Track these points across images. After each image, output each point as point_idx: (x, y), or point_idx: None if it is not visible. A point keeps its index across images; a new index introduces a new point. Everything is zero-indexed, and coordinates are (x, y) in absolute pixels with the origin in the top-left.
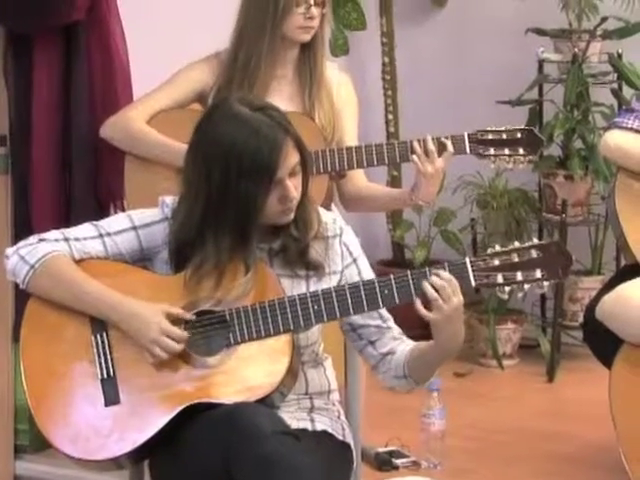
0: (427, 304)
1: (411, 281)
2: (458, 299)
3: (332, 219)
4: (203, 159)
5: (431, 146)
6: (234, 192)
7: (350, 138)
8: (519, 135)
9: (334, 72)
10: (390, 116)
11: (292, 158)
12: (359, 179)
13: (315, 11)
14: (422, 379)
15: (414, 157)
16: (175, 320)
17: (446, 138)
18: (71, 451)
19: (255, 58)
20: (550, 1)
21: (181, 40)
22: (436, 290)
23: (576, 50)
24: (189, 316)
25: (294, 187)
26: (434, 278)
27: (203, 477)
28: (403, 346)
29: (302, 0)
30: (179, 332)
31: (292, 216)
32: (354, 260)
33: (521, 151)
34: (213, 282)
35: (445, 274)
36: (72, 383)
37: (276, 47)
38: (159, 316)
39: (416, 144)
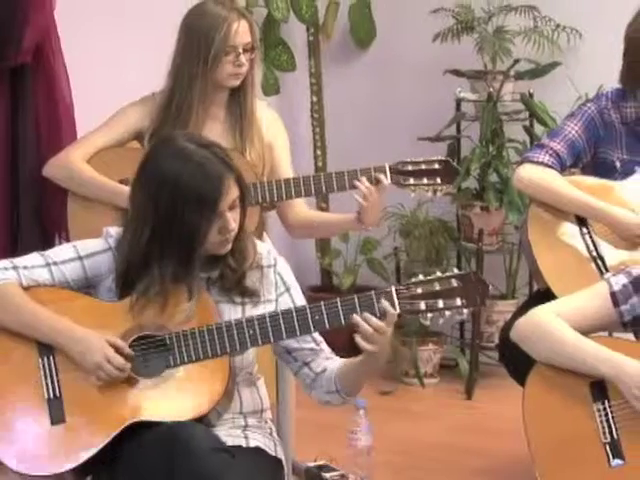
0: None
1: (340, 308)
2: (391, 329)
3: (267, 250)
4: (151, 190)
5: (366, 183)
6: (179, 222)
7: (284, 169)
8: (437, 166)
9: (263, 109)
10: (318, 151)
11: (233, 193)
12: (300, 208)
13: (244, 59)
14: (352, 392)
15: (358, 189)
16: (116, 350)
17: (368, 169)
18: (18, 467)
19: (188, 102)
20: (466, 44)
21: (121, 82)
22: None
23: (491, 90)
24: (128, 350)
25: (233, 219)
26: (370, 318)
27: None
28: (333, 364)
29: (231, 49)
30: (121, 360)
31: (230, 246)
32: (287, 289)
33: (439, 180)
34: (158, 307)
35: (388, 307)
36: (20, 402)
37: (208, 92)
38: (103, 343)
39: (362, 178)
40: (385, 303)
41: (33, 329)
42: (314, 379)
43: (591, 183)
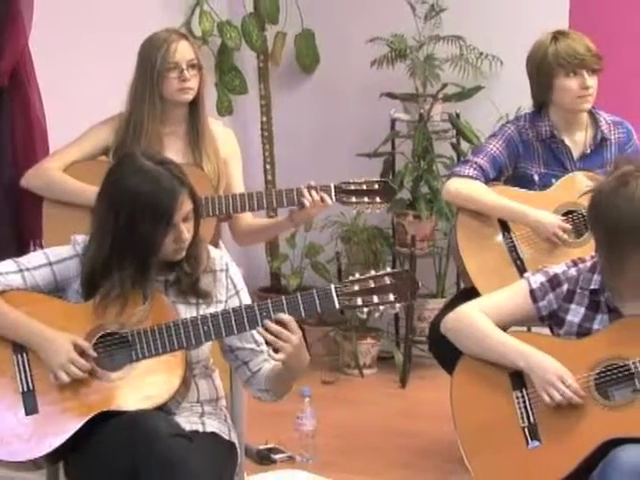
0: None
1: (285, 305)
2: (297, 337)
3: (219, 256)
4: (112, 204)
5: (316, 196)
6: (137, 233)
7: (237, 183)
8: (376, 186)
9: (219, 128)
10: (268, 167)
11: (186, 206)
12: (247, 218)
13: (188, 74)
14: (280, 393)
15: (305, 201)
16: (82, 351)
17: (315, 187)
18: None
19: (142, 120)
20: (400, 70)
21: (90, 103)
22: (274, 335)
23: (422, 111)
24: (92, 352)
25: (187, 230)
26: (270, 324)
27: (111, 473)
28: (267, 365)
29: (173, 65)
30: (83, 362)
31: (184, 254)
32: (237, 292)
33: (378, 199)
34: (118, 308)
35: (284, 316)
36: None
37: (161, 109)
38: (68, 345)
39: (306, 191)
40: (280, 315)
41: (5, 329)
42: (250, 377)
43: (516, 192)
